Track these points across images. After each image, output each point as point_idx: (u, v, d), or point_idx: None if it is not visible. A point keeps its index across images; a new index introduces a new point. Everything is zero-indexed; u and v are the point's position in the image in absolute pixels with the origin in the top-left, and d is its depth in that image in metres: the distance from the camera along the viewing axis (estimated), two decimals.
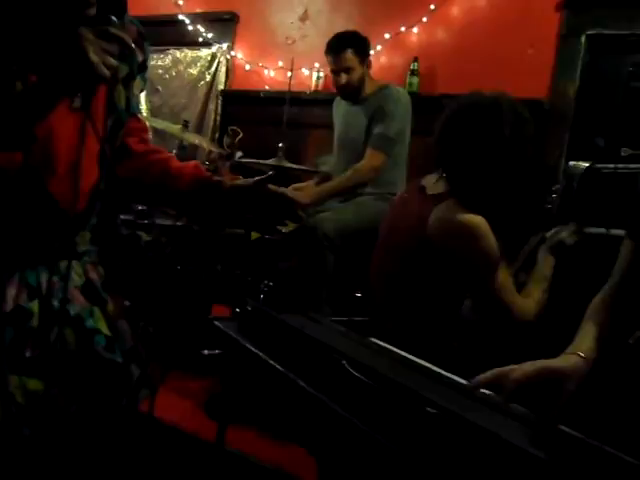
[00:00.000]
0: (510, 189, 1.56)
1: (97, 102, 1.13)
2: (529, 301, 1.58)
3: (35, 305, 1.04)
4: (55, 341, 1.05)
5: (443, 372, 0.98)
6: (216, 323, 1.14)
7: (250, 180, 1.27)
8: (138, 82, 1.25)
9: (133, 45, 1.01)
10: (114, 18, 0.96)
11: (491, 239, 1.51)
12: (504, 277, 1.55)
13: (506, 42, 3.30)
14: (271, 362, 0.94)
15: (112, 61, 0.94)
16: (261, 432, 1.93)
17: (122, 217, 2.90)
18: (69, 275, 1.10)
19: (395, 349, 1.10)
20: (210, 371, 2.20)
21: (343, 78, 2.96)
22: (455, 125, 1.58)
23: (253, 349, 1.01)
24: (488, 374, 0.90)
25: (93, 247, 1.21)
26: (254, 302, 1.13)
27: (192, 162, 1.32)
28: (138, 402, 1.20)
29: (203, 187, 1.25)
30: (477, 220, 1.50)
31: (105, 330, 1.13)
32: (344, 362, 0.83)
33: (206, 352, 1.19)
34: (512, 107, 1.54)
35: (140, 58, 1.25)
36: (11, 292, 1.03)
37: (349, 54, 2.93)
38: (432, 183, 1.66)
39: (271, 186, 1.27)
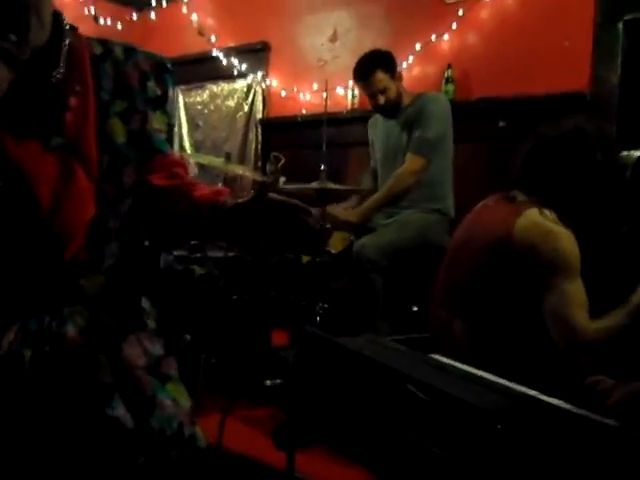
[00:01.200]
0: (600, 204, 1.63)
1: (85, 139, 1.10)
2: (599, 324, 1.49)
3: (29, 350, 1.02)
4: (43, 387, 1.01)
5: (514, 385, 0.96)
6: (276, 352, 1.14)
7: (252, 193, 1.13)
8: (158, 116, 1.21)
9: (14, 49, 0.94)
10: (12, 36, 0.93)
11: (575, 249, 1.53)
12: (580, 290, 1.52)
13: (540, 37, 3.25)
14: (334, 387, 0.94)
15: None
16: (330, 457, 1.92)
17: (175, 253, 2.96)
18: (66, 320, 1.06)
19: (459, 365, 1.08)
20: (275, 399, 2.20)
21: (381, 99, 2.93)
22: (545, 156, 1.64)
23: (314, 375, 1.01)
24: (620, 395, 0.85)
25: (110, 290, 1.15)
26: (311, 328, 1.12)
27: (216, 188, 1.23)
28: (169, 462, 1.10)
29: (213, 211, 1.16)
30: (565, 231, 1.54)
31: (107, 379, 1.06)
32: (408, 384, 0.82)
33: (268, 383, 1.19)
34: (598, 131, 1.63)
35: (158, 92, 1.23)
36: (9, 337, 1.01)
37: (379, 75, 2.90)
38: (522, 196, 1.66)
39: (273, 194, 1.10)
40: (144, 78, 1.19)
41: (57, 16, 1.11)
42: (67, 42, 1.11)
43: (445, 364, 1.06)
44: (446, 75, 3.55)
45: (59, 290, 1.09)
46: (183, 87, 4.88)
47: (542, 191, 1.62)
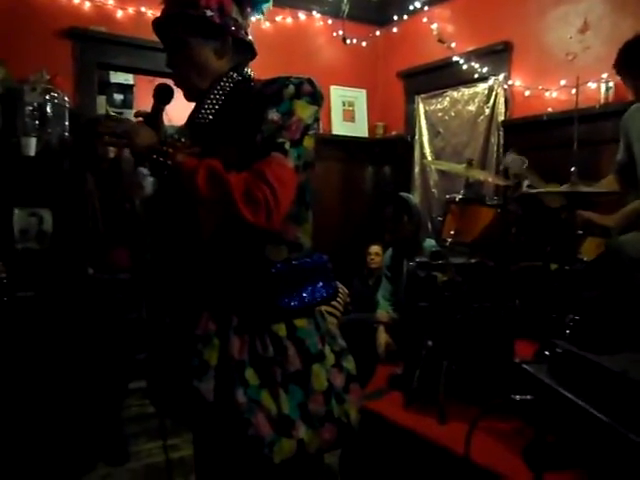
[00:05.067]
0: None
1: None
2: None
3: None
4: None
5: None
6: (525, 367, 1.10)
7: None
8: (268, 129, 1.33)
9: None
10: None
11: None
12: None
13: None
14: (593, 411, 0.88)
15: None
16: None
17: (418, 260, 3.02)
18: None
19: None
20: (521, 413, 2.12)
21: None
22: None
23: (570, 396, 0.95)
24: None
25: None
26: (564, 343, 1.07)
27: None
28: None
29: None
30: None
31: (213, 360, 1.30)
32: None
33: (518, 397, 1.16)
34: None
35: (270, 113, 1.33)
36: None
37: None
38: None
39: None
40: (261, 101, 1.34)
41: (226, 74, 1.44)
42: (219, 92, 1.42)
43: None
44: None
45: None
46: (424, 96, 4.96)
47: None
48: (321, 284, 1.42)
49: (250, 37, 1.49)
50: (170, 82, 1.47)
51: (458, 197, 2.80)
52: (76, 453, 3.03)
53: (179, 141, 1.33)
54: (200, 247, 1.38)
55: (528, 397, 1.15)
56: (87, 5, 4.03)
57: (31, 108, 3.60)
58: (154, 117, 1.40)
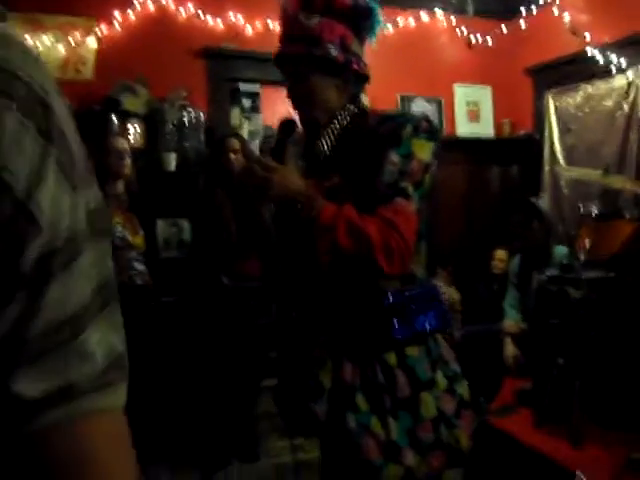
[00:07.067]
0: None
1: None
2: None
3: None
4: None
5: None
6: None
7: None
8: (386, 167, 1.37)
9: None
10: None
11: None
12: None
13: None
14: None
15: None
16: None
17: (548, 273, 2.91)
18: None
19: None
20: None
21: None
22: None
23: None
24: None
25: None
26: None
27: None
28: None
29: None
30: None
31: (326, 382, 1.37)
32: None
33: None
34: None
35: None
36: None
37: None
38: None
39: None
40: (378, 140, 1.36)
41: (344, 107, 1.47)
42: (336, 126, 1.45)
43: None
44: None
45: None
46: (554, 91, 4.72)
47: None
48: (432, 313, 1.43)
49: (367, 68, 1.51)
50: (291, 112, 1.54)
51: (594, 212, 2.66)
52: (211, 449, 3.24)
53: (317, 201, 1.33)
54: (318, 273, 1.44)
55: None
56: (220, 24, 4.25)
57: (171, 125, 3.88)
58: (279, 150, 1.45)
